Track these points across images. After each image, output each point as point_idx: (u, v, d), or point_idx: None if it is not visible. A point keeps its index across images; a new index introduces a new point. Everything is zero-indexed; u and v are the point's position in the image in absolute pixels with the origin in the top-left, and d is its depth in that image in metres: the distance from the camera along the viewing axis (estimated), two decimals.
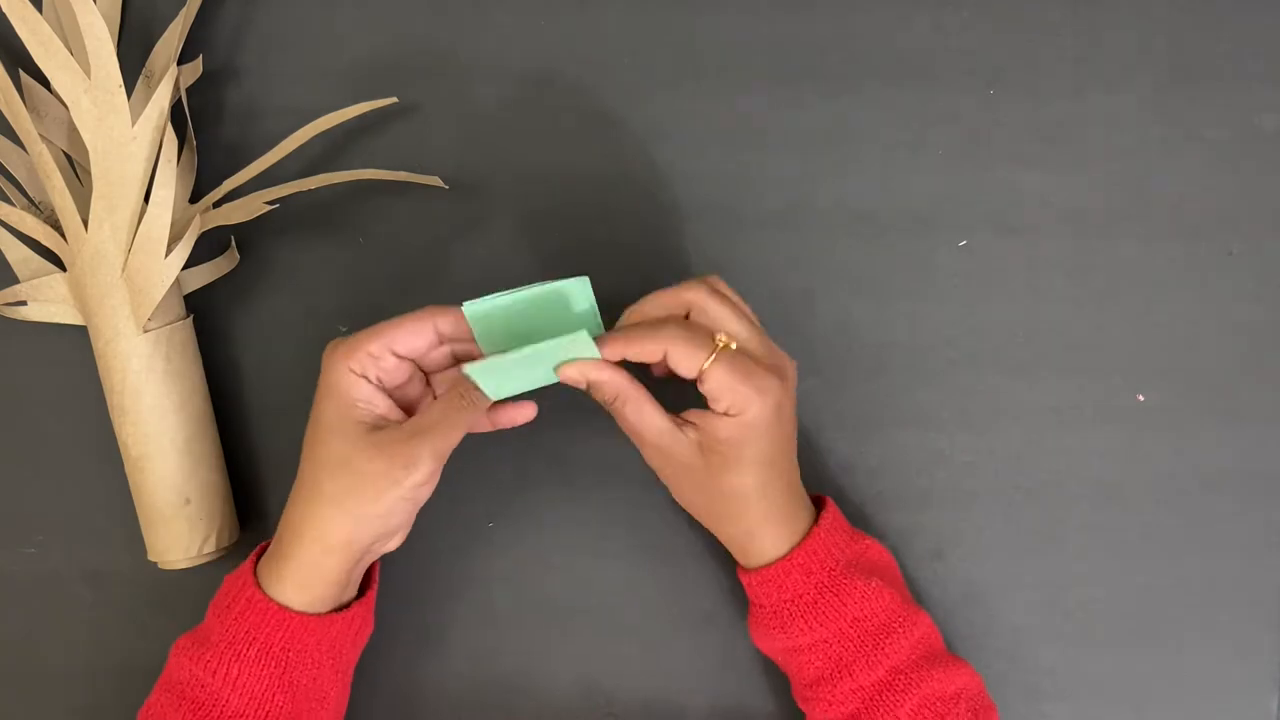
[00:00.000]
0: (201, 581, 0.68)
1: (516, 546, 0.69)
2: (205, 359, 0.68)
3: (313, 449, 0.59)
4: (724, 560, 0.69)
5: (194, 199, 0.68)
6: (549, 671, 0.69)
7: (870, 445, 0.69)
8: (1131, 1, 0.70)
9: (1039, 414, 0.69)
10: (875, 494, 0.69)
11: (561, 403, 0.67)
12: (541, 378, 0.59)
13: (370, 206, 0.70)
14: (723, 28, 0.70)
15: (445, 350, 0.61)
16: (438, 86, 0.70)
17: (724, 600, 0.69)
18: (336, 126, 0.67)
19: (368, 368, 0.58)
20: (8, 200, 0.68)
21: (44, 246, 0.67)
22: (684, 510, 0.64)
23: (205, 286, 0.68)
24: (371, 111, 0.68)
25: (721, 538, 0.63)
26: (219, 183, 0.67)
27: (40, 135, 0.64)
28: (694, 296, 0.58)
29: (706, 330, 0.58)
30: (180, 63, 0.68)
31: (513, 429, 0.63)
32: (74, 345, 0.68)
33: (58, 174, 0.64)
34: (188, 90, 0.68)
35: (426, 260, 0.70)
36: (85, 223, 0.64)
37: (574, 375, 0.58)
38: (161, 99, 0.64)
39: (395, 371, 0.59)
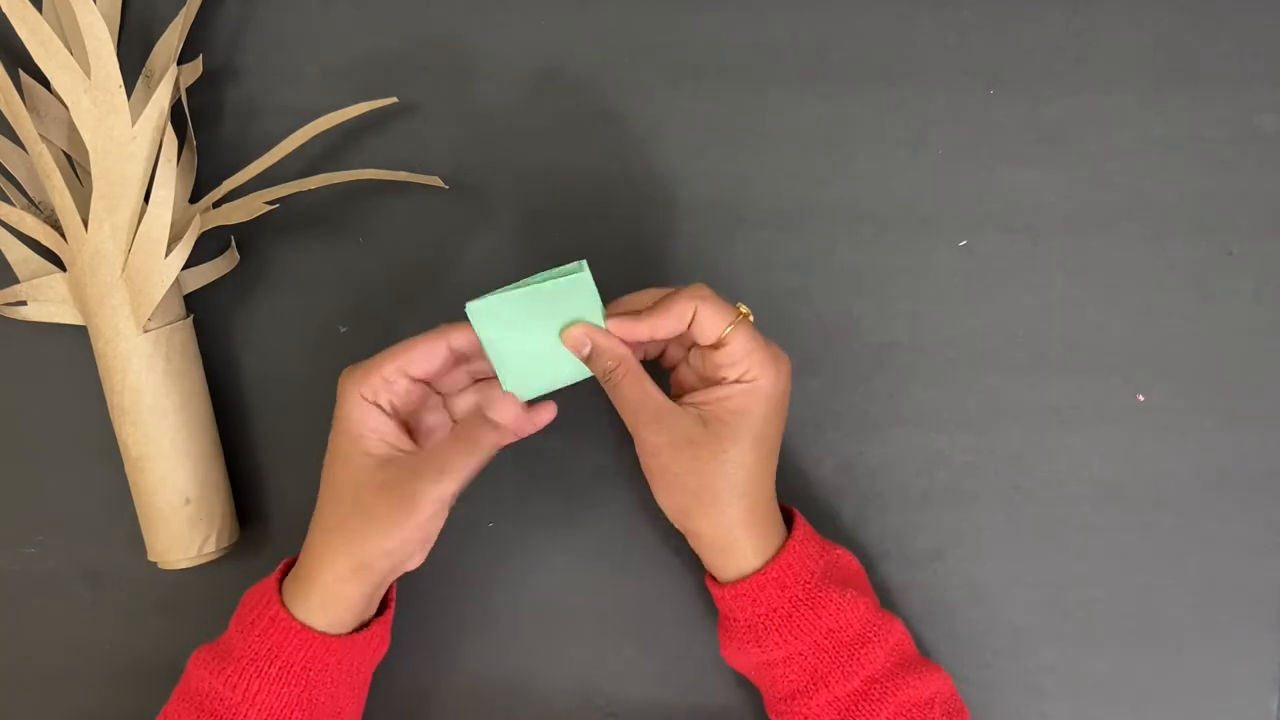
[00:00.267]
0: (201, 581, 0.68)
1: (516, 548, 0.69)
2: (205, 359, 0.68)
3: (328, 477, 0.59)
4: None
5: (194, 199, 0.68)
6: (549, 673, 0.69)
7: (870, 445, 0.69)
8: (1131, 1, 0.70)
9: (1039, 414, 0.69)
10: (875, 494, 0.69)
11: (561, 404, 0.67)
12: (549, 372, 0.60)
13: (370, 206, 0.70)
14: (723, 28, 0.70)
15: (462, 371, 0.61)
16: (438, 86, 0.70)
17: None
18: (336, 126, 0.67)
19: (380, 393, 0.58)
20: (8, 200, 0.68)
21: (44, 246, 0.67)
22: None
23: (205, 286, 0.68)
24: (371, 111, 0.68)
25: (700, 540, 0.61)
26: (219, 183, 0.67)
27: (40, 135, 0.64)
28: (695, 292, 0.59)
29: (726, 303, 0.59)
30: (180, 62, 0.68)
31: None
32: (74, 345, 0.68)
33: (58, 174, 0.64)
34: (188, 90, 0.68)
35: (426, 260, 0.70)
36: (85, 223, 0.64)
37: (578, 336, 0.59)
38: (161, 99, 0.64)
39: (409, 396, 0.59)
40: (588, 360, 0.60)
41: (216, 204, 0.67)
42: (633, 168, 0.70)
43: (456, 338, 0.58)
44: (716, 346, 0.59)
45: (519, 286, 0.58)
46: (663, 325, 0.58)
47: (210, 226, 0.66)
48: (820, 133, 0.70)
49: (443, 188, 0.69)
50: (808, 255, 0.69)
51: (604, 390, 0.61)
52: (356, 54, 0.70)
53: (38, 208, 0.68)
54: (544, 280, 0.58)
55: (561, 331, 0.59)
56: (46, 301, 0.67)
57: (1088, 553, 0.69)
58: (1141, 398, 0.69)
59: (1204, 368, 0.69)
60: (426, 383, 0.60)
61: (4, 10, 0.62)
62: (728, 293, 0.69)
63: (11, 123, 0.65)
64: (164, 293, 0.64)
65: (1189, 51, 0.70)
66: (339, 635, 0.59)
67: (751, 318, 0.59)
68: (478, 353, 0.59)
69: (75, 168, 0.68)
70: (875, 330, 0.69)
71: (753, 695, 0.68)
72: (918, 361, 0.69)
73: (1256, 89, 0.69)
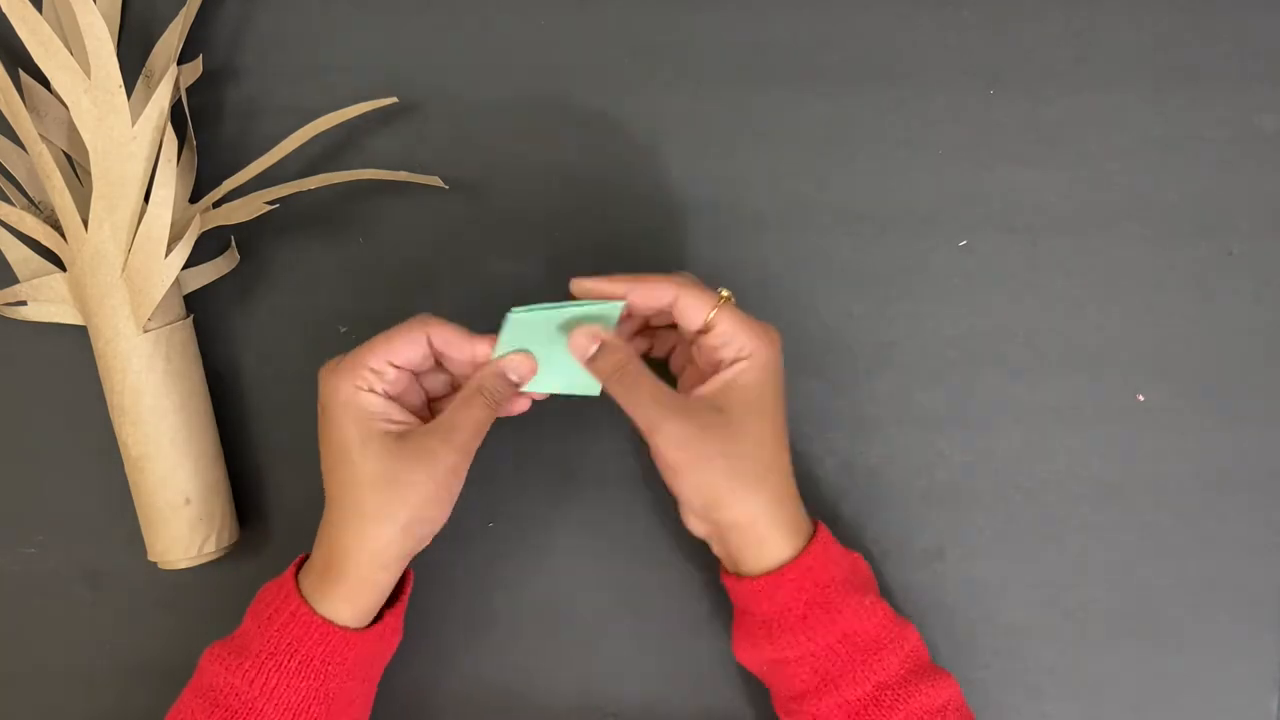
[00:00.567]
0: (201, 581, 0.68)
1: (516, 548, 0.69)
2: (205, 359, 0.68)
3: (342, 470, 0.59)
4: None
5: (194, 199, 0.68)
6: (549, 674, 0.69)
7: (870, 445, 0.69)
8: (1131, 1, 0.70)
9: (1039, 414, 0.69)
10: (875, 494, 0.69)
11: (561, 405, 0.67)
12: (563, 380, 0.61)
13: (370, 206, 0.70)
14: (723, 28, 0.70)
15: (445, 378, 0.62)
16: (438, 86, 0.70)
17: (725, 602, 0.69)
18: (336, 126, 0.67)
19: (373, 383, 0.59)
20: (8, 200, 0.68)
21: (44, 246, 0.67)
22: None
23: (205, 286, 0.68)
24: (371, 111, 0.68)
25: (731, 530, 0.60)
26: (219, 183, 0.67)
27: (40, 135, 0.64)
28: (676, 278, 0.61)
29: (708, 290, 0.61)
30: (180, 62, 0.68)
31: (512, 430, 0.63)
32: (74, 345, 0.68)
33: (58, 174, 0.64)
34: (188, 90, 0.68)
35: (426, 260, 0.70)
36: (85, 223, 0.64)
37: (583, 338, 0.60)
38: (161, 99, 0.64)
39: (397, 383, 0.60)
40: (594, 360, 0.60)
41: (217, 204, 0.67)
42: (632, 168, 0.70)
43: (435, 332, 0.59)
44: (705, 331, 0.60)
45: (556, 307, 0.60)
46: (639, 291, 0.60)
47: (210, 226, 0.66)
48: (820, 133, 0.69)
49: (443, 188, 0.69)
50: (808, 255, 0.69)
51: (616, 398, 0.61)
52: (356, 54, 0.70)
53: (38, 208, 0.68)
54: (580, 305, 0.60)
55: (570, 333, 0.60)
56: (46, 301, 0.67)
57: (1088, 553, 0.69)
58: (1141, 398, 0.69)
59: (1204, 368, 0.69)
60: (410, 371, 0.61)
61: (4, 10, 0.62)
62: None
63: (11, 123, 0.65)
64: (164, 293, 0.64)
65: (1189, 51, 0.70)
66: (358, 629, 0.59)
67: (734, 300, 0.60)
68: (452, 350, 0.60)
69: (75, 168, 0.68)
70: (875, 330, 0.69)
71: (754, 696, 0.68)
72: (918, 361, 0.69)
73: (1256, 89, 0.69)
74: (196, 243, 0.65)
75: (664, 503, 0.68)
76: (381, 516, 0.58)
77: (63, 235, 0.65)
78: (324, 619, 0.58)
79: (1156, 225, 0.69)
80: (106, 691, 0.69)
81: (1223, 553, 0.69)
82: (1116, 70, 0.70)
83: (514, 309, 0.59)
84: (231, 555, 0.67)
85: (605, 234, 0.69)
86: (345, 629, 0.58)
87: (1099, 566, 0.69)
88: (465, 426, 0.59)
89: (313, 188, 0.66)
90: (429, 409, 0.63)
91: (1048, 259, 0.69)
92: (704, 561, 0.69)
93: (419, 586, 0.64)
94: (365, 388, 0.58)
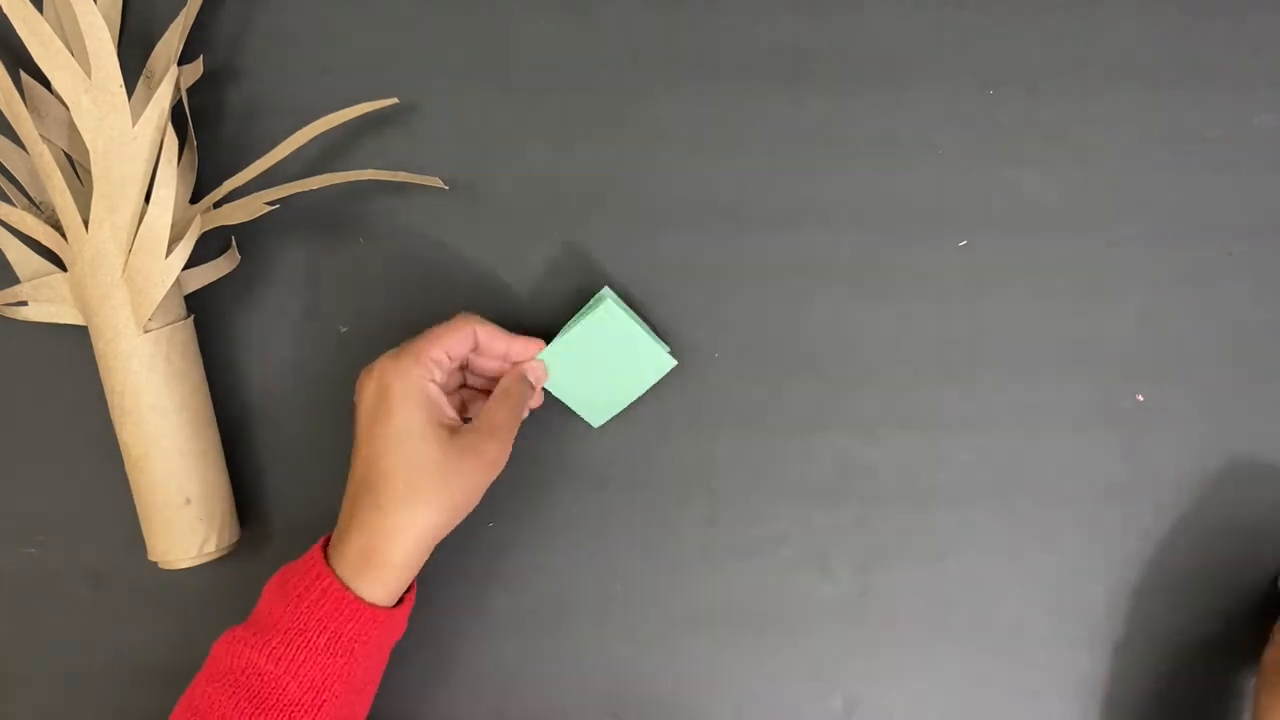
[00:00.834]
0: (202, 581, 0.68)
1: (516, 547, 0.69)
2: (206, 359, 0.68)
3: (399, 454, 0.60)
4: (725, 560, 0.69)
5: (195, 199, 0.68)
6: (549, 674, 0.69)
7: (870, 445, 0.69)
8: (1131, 1, 0.70)
9: (1039, 414, 0.69)
10: (875, 494, 0.69)
11: (562, 405, 0.67)
12: (617, 398, 0.67)
13: (370, 206, 0.70)
14: (723, 28, 0.70)
15: (460, 378, 0.66)
16: (438, 86, 0.70)
17: (726, 600, 0.69)
18: (337, 126, 0.67)
19: (434, 373, 0.61)
20: (8, 200, 0.68)
21: (44, 247, 0.67)
22: (683, 511, 0.64)
23: (206, 286, 0.68)
24: (371, 111, 0.68)
25: None
26: (220, 183, 0.67)
27: (41, 135, 0.64)
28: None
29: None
30: (181, 63, 0.68)
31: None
32: (74, 345, 0.68)
33: (58, 174, 0.64)
34: (188, 90, 0.68)
35: (426, 260, 0.70)
36: (86, 223, 0.64)
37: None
38: (162, 99, 0.64)
39: (451, 376, 0.64)
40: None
41: (217, 204, 0.67)
42: (632, 168, 0.70)
43: (481, 330, 0.63)
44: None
45: (566, 330, 0.65)
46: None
47: (211, 227, 0.66)
48: (820, 133, 0.70)
49: (443, 188, 0.69)
50: (808, 255, 0.69)
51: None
52: (356, 54, 0.70)
53: (38, 208, 0.68)
54: (580, 317, 0.65)
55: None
56: (47, 301, 0.67)
57: (1088, 553, 0.69)
58: (1141, 398, 0.69)
59: (1204, 368, 0.69)
60: (457, 367, 0.64)
61: (4, 10, 0.62)
62: (728, 293, 0.69)
63: (12, 123, 0.65)
64: (164, 293, 0.64)
65: (1189, 51, 0.70)
66: (387, 608, 0.60)
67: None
68: (486, 347, 0.64)
69: (76, 168, 0.68)
70: (875, 330, 0.69)
71: (754, 696, 0.68)
72: (918, 361, 0.69)
73: (1256, 89, 0.69)
74: (197, 243, 0.65)
75: (663, 502, 0.68)
76: (434, 502, 0.60)
77: (63, 235, 0.65)
78: (356, 596, 0.59)
79: (1156, 225, 0.69)
80: (107, 691, 0.69)
81: (1222, 552, 0.69)
82: (1116, 70, 0.70)
83: (542, 352, 0.65)
84: (232, 555, 0.67)
85: (605, 234, 0.69)
86: (375, 607, 0.59)
87: (1099, 566, 0.69)
88: (507, 424, 0.62)
89: (313, 188, 0.66)
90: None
91: (1048, 259, 0.69)
92: (704, 560, 0.69)
93: (419, 587, 0.64)
94: (428, 377, 0.61)
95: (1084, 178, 0.69)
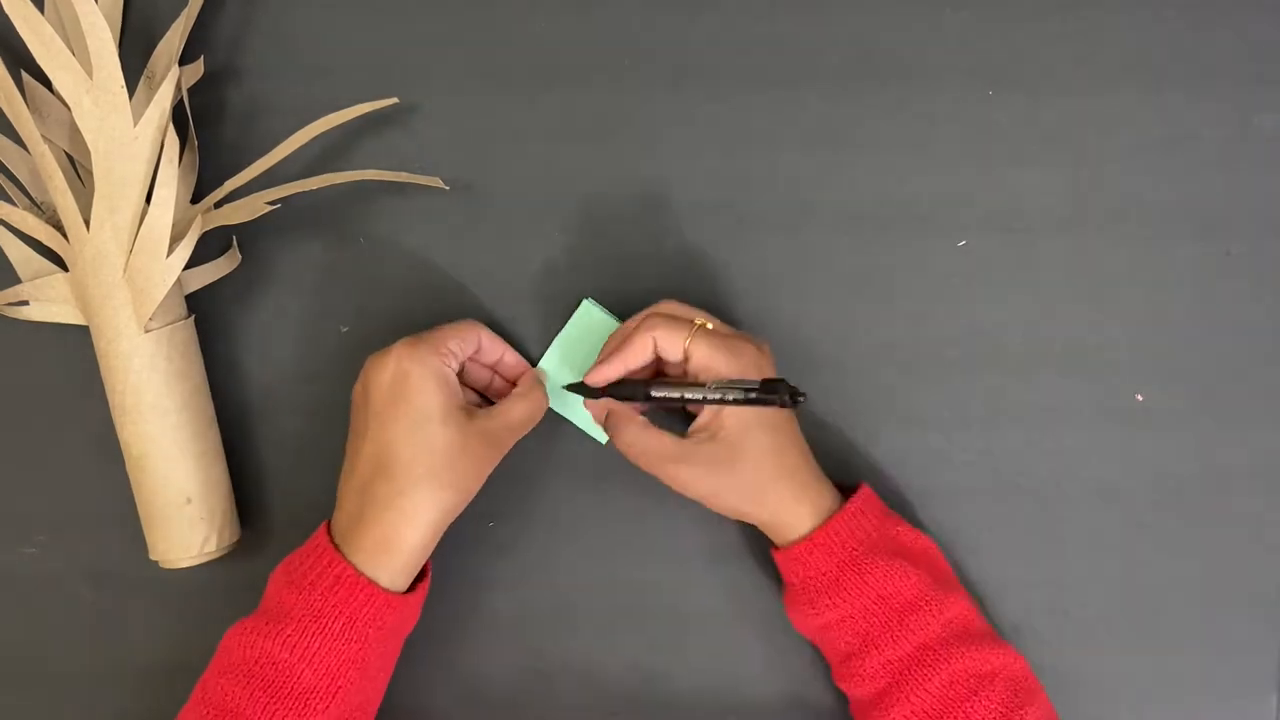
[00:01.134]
0: (202, 581, 0.68)
1: (516, 548, 0.69)
2: (207, 359, 0.68)
3: (418, 437, 0.60)
4: (725, 558, 0.69)
5: (195, 199, 0.69)
6: (549, 673, 0.69)
7: (870, 445, 0.69)
8: (1131, 1, 0.70)
9: (1039, 414, 0.69)
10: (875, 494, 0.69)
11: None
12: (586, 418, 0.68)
13: (370, 206, 0.70)
14: (723, 28, 0.70)
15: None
16: (438, 86, 0.70)
17: (726, 598, 0.69)
18: (337, 126, 0.67)
19: (451, 362, 0.62)
20: (10, 200, 0.68)
21: (46, 246, 0.67)
22: (686, 510, 0.65)
23: (207, 286, 0.68)
24: (371, 111, 0.68)
25: (759, 523, 0.64)
26: (220, 183, 0.67)
27: (42, 136, 0.64)
28: (649, 323, 0.63)
29: (683, 319, 0.63)
30: (182, 63, 0.68)
31: None
32: (75, 345, 0.68)
33: (59, 174, 0.64)
34: (189, 90, 0.68)
35: (426, 260, 0.70)
36: (87, 223, 0.64)
37: (595, 409, 0.67)
38: (163, 99, 0.64)
39: (462, 369, 0.65)
40: (606, 426, 0.65)
41: (218, 204, 0.67)
42: (632, 168, 0.70)
43: (484, 335, 0.65)
44: (686, 361, 0.62)
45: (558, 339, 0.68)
46: (630, 359, 0.63)
47: (212, 226, 0.66)
48: (820, 133, 0.70)
49: (443, 188, 0.69)
50: (808, 255, 0.69)
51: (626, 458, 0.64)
52: (356, 54, 0.70)
53: (40, 208, 0.68)
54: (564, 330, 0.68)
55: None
56: (48, 301, 0.67)
57: (1088, 553, 0.69)
58: (1141, 398, 0.69)
59: (1204, 368, 0.69)
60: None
61: (6, 10, 0.62)
62: (728, 293, 0.69)
63: (14, 123, 0.65)
64: (165, 293, 0.64)
65: (1189, 51, 0.70)
66: (401, 593, 0.60)
67: (709, 325, 0.63)
68: (486, 353, 0.66)
69: (77, 168, 0.68)
70: (875, 330, 0.69)
71: (754, 696, 0.68)
72: (918, 361, 0.69)
73: (1256, 89, 0.69)
74: (198, 243, 0.65)
75: (664, 500, 0.68)
76: (454, 485, 0.60)
77: (65, 235, 0.65)
78: (370, 580, 0.59)
79: (1156, 225, 0.69)
80: (107, 691, 0.69)
81: (1222, 552, 0.69)
82: (1116, 70, 0.70)
83: (538, 365, 0.68)
84: (232, 554, 0.67)
85: (605, 234, 0.69)
86: (389, 591, 0.59)
87: (1099, 566, 0.69)
88: (521, 423, 0.64)
89: (313, 188, 0.66)
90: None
91: (1048, 259, 0.69)
92: (705, 558, 0.69)
93: None
94: (448, 364, 0.62)
95: (1084, 178, 0.69)
